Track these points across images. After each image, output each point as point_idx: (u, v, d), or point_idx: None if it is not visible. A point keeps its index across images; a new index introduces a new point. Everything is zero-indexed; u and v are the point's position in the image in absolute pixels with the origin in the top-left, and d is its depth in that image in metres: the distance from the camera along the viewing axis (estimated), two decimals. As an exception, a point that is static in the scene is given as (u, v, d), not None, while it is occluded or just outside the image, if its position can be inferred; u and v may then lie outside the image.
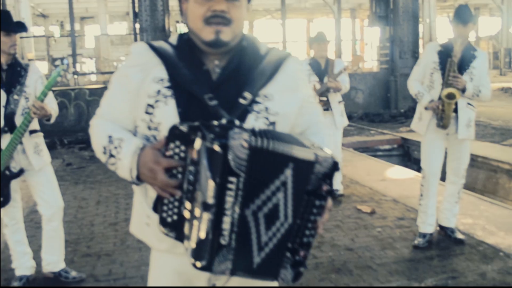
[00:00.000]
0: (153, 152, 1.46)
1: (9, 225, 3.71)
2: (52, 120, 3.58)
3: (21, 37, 16.43)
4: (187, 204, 1.39)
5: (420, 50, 13.58)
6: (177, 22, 29.55)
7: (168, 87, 1.55)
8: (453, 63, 4.07)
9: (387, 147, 10.13)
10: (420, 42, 14.21)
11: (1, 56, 3.48)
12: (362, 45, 34.64)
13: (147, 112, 1.55)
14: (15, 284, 3.71)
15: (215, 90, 1.54)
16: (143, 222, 1.62)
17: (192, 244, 1.35)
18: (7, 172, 3.49)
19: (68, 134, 11.12)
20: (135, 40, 12.40)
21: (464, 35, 4.13)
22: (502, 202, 6.23)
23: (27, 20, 19.73)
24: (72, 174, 7.94)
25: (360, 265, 4.01)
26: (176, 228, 1.42)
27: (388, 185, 6.50)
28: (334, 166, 1.40)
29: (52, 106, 3.55)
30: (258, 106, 1.56)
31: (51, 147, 3.87)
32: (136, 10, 12.07)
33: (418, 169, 8.02)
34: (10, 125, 3.45)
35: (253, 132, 1.35)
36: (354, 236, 4.66)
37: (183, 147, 1.40)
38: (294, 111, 1.64)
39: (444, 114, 4.13)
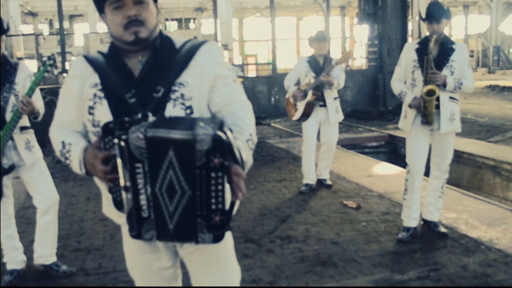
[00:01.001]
0: (92, 150, 1.80)
1: (2, 220, 3.78)
2: (40, 118, 3.64)
3: (9, 35, 16.41)
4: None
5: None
6: (166, 20, 29.68)
7: (101, 90, 1.87)
8: (430, 60, 4.19)
9: (374, 144, 10.27)
10: (409, 39, 14.34)
11: None
12: (352, 43, 34.81)
13: (89, 113, 1.89)
14: (6, 278, 3.79)
15: (138, 86, 1.84)
16: (106, 203, 2.00)
17: (126, 217, 1.71)
18: None
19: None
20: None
21: (438, 32, 4.22)
22: (486, 197, 6.36)
23: (16, 18, 19.66)
24: (62, 172, 7.99)
25: (345, 258, 4.12)
26: (123, 206, 1.74)
27: (374, 181, 6.63)
28: (216, 143, 1.58)
29: (39, 104, 3.61)
30: (175, 94, 1.83)
31: (40, 145, 3.93)
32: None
33: (405, 166, 8.16)
34: (0, 122, 3.53)
35: (153, 123, 1.67)
36: (340, 230, 4.77)
37: (114, 140, 1.71)
38: (206, 94, 1.88)
39: (426, 111, 4.24)
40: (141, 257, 2.03)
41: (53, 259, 3.93)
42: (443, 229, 4.58)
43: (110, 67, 1.89)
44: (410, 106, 4.36)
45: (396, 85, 4.49)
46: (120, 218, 1.92)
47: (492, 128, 11.38)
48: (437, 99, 4.24)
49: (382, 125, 11.70)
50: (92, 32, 25.63)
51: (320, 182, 6.34)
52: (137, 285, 2.15)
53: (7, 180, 3.70)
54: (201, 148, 1.59)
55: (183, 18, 37.37)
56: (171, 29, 37.49)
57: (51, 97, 12.13)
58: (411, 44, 4.48)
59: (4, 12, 18.98)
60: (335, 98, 6.01)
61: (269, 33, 15.26)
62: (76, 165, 1.87)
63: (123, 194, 1.69)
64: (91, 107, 1.87)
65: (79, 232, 4.93)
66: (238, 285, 2.15)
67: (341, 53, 29.69)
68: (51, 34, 33.61)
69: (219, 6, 18.67)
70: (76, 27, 35.36)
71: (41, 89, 12.17)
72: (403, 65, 4.46)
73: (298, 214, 5.32)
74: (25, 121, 3.68)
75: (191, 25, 38.05)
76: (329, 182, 6.37)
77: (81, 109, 1.92)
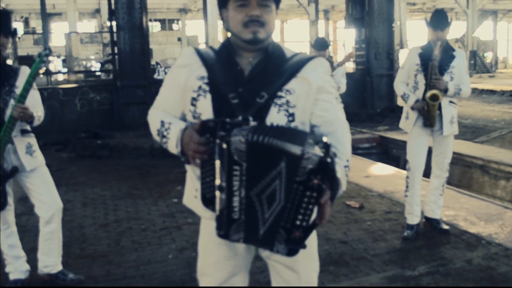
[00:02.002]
0: (190, 131, 1.82)
1: (2, 229, 3.64)
2: (35, 123, 3.51)
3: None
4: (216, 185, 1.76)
5: (394, 52, 13.90)
6: (150, 20, 29.27)
7: (207, 84, 1.91)
8: (434, 67, 4.35)
9: (366, 145, 10.32)
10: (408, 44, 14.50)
11: None
12: (335, 46, 35.05)
13: (192, 104, 1.93)
14: (11, 288, 3.67)
15: (246, 85, 1.88)
16: (192, 195, 2.01)
17: (216, 216, 1.75)
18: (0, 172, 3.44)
19: (42, 136, 10.86)
20: (112, 38, 12.23)
21: (442, 39, 4.39)
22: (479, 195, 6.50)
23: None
24: (53, 177, 7.76)
25: (356, 256, 4.18)
26: (212, 202, 1.78)
27: (372, 181, 6.69)
28: (321, 164, 1.60)
29: (37, 110, 3.49)
30: (281, 100, 1.87)
31: (40, 146, 3.85)
32: (113, 7, 11.93)
33: (397, 166, 8.27)
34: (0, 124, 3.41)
35: (255, 128, 1.70)
36: (346, 230, 4.80)
37: (212, 138, 1.76)
38: (311, 105, 1.92)
39: (429, 115, 4.41)
40: (219, 250, 2.01)
41: (59, 267, 3.80)
42: (445, 226, 4.76)
43: (219, 64, 1.94)
44: (412, 108, 4.50)
45: (399, 87, 4.64)
46: (205, 212, 1.92)
47: (476, 129, 11.64)
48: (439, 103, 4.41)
49: (372, 127, 11.77)
50: (72, 31, 25.28)
51: None
52: (202, 284, 2.12)
53: (7, 186, 3.56)
54: (306, 166, 1.60)
55: (166, 19, 37.17)
56: (154, 30, 37.22)
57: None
58: (415, 48, 4.64)
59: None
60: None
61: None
62: (173, 142, 1.89)
63: (217, 193, 1.73)
64: (194, 99, 1.92)
65: (81, 238, 4.82)
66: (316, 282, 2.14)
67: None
68: (27, 33, 32.88)
69: (206, 7, 18.61)
70: (54, 26, 34.77)
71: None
72: (406, 68, 4.62)
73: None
74: (26, 124, 3.56)
75: (175, 26, 37.88)
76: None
77: (183, 98, 1.96)
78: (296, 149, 1.61)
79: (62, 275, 3.79)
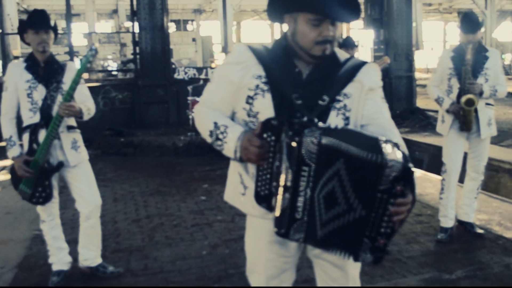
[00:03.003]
0: (250, 135, 1.82)
1: (47, 221, 3.72)
2: (85, 118, 3.59)
3: (6, 34, 16.27)
4: (275, 183, 1.77)
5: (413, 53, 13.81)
6: (170, 21, 29.45)
7: (265, 83, 1.90)
8: (467, 71, 4.31)
9: (388, 147, 10.25)
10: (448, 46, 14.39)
11: (36, 53, 3.55)
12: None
13: (247, 102, 1.92)
14: (54, 278, 3.72)
15: (304, 88, 1.89)
16: (239, 192, 2.01)
17: (276, 214, 1.75)
18: (46, 166, 3.52)
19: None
20: (133, 38, 12.31)
21: (473, 41, 4.36)
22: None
23: (13, 16, 19.49)
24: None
25: (390, 258, 4.13)
26: (266, 200, 1.81)
27: (399, 184, 6.62)
28: (405, 172, 1.61)
29: (87, 104, 3.58)
30: (339, 104, 1.91)
31: (85, 140, 3.90)
32: (135, 8, 12.01)
33: (420, 169, 8.20)
34: (46, 120, 3.49)
35: (324, 130, 1.70)
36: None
37: (273, 137, 1.77)
38: (361, 107, 1.95)
39: (465, 120, 4.36)
40: (271, 247, 2.01)
41: (99, 260, 3.86)
42: (479, 230, 4.67)
43: (276, 63, 1.92)
44: (447, 111, 4.46)
45: (433, 91, 4.60)
46: (254, 210, 1.92)
47: (501, 133, 11.45)
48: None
49: (392, 129, 11.71)
50: (92, 32, 25.47)
51: None
52: (254, 281, 2.13)
53: (53, 180, 3.63)
54: (390, 174, 1.60)
55: (181, 20, 37.27)
56: (170, 30, 37.40)
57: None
58: (447, 51, 4.61)
59: (0, 10, 18.83)
60: None
61: (267, 36, 15.25)
62: (231, 148, 1.87)
63: (280, 192, 1.72)
64: (250, 97, 1.91)
65: (115, 233, 4.86)
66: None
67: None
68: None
69: (219, 8, 18.65)
70: (73, 26, 35.08)
71: None
72: (439, 73, 4.59)
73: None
74: (72, 120, 3.64)
75: (189, 26, 37.99)
76: None
77: (236, 96, 1.95)
78: (378, 158, 1.61)
79: (102, 268, 3.85)
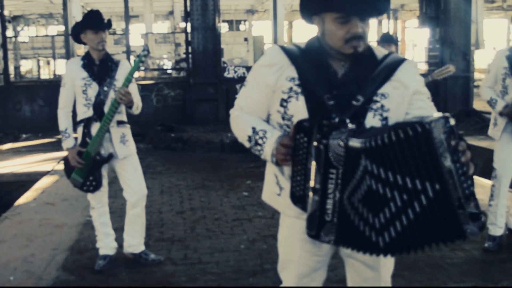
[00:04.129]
0: (284, 138, 1.84)
1: (96, 208, 3.95)
2: (134, 110, 3.80)
3: (70, 35, 16.91)
4: (307, 184, 1.78)
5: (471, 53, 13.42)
6: (223, 21, 29.85)
7: (298, 85, 1.88)
8: None
9: (441, 149, 9.99)
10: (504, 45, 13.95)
11: (92, 52, 3.77)
12: (403, 47, 34.26)
13: (281, 105, 1.91)
14: (100, 262, 3.94)
15: (339, 88, 1.86)
16: (275, 193, 2.02)
17: (307, 217, 1.77)
18: (97, 157, 3.76)
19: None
20: (186, 38, 12.59)
21: None
22: None
23: (78, 18, 20.23)
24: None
25: (431, 263, 4.04)
26: (301, 201, 1.81)
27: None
28: (448, 123, 1.54)
29: (136, 100, 3.77)
30: (376, 104, 1.86)
31: (134, 135, 4.09)
32: (188, 9, 12.28)
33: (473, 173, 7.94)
34: (99, 114, 3.73)
35: (354, 132, 1.68)
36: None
37: (305, 138, 1.78)
38: (404, 107, 1.91)
39: None
40: (304, 246, 2.00)
41: (142, 248, 4.05)
42: None
43: (310, 64, 1.90)
44: (501, 114, 4.26)
45: (486, 92, 4.37)
46: (289, 210, 1.93)
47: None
48: None
49: (445, 131, 11.43)
50: (148, 32, 26.09)
51: None
52: (285, 279, 2.12)
53: (103, 170, 3.86)
54: (439, 135, 1.53)
55: (234, 20, 37.62)
56: (222, 30, 37.77)
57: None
58: (502, 51, 4.38)
59: (67, 12, 19.59)
60: None
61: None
62: (268, 151, 1.88)
63: (310, 194, 1.74)
64: (284, 100, 1.89)
65: (160, 223, 5.05)
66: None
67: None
68: (109, 34, 34.45)
69: (271, 8, 18.71)
70: (132, 27, 36.09)
71: None
72: (493, 72, 4.35)
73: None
74: (122, 116, 3.87)
75: (242, 26, 38.27)
76: None
77: (271, 99, 1.94)
78: (419, 127, 1.54)
79: (144, 255, 4.03)
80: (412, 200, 1.55)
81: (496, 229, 4.38)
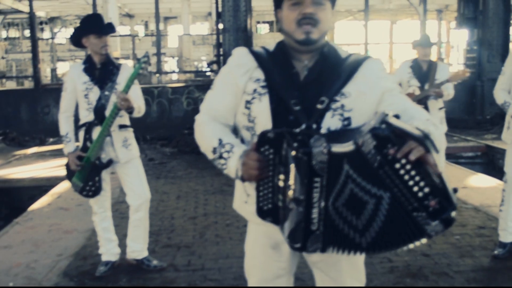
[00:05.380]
0: (247, 151, 1.78)
1: (98, 213, 4.00)
2: (135, 114, 3.76)
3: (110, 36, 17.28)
4: (280, 196, 1.73)
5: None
6: (258, 22, 29.98)
7: (263, 86, 1.87)
8: None
9: (470, 154, 9.82)
10: (510, 46, 13.63)
11: (94, 56, 3.80)
12: (448, 48, 33.54)
13: (246, 107, 1.89)
14: (101, 268, 3.99)
15: (302, 89, 1.85)
16: (242, 200, 2.01)
17: (288, 230, 1.71)
18: (97, 162, 3.79)
19: (151, 131, 11.59)
20: (217, 39, 12.69)
21: None
22: None
23: (114, 20, 20.63)
24: (154, 169, 8.33)
25: (436, 271, 3.99)
26: (271, 214, 1.79)
27: (469, 193, 6.35)
28: (378, 136, 1.52)
29: (138, 102, 3.77)
30: (335, 104, 1.83)
31: (138, 138, 4.14)
32: (220, 10, 12.36)
33: (502, 178, 7.75)
34: (100, 118, 3.75)
35: (329, 137, 1.64)
36: (432, 242, 4.60)
37: (271, 150, 1.73)
38: (371, 106, 1.86)
39: None
40: (265, 252, 2.03)
41: (145, 254, 4.08)
42: None
43: (275, 65, 1.90)
44: None
45: (500, 94, 4.26)
46: (255, 218, 1.87)
47: None
48: None
49: (479, 135, 11.18)
50: (185, 34, 26.46)
51: None
52: (250, 284, 2.17)
53: (105, 175, 3.90)
54: (370, 148, 1.54)
55: (274, 21, 37.69)
56: (262, 32, 37.91)
57: (145, 96, 12.64)
58: None
59: (104, 13, 20.03)
60: (440, 109, 5.72)
61: (362, 36, 15.01)
62: (232, 168, 1.82)
63: (292, 206, 1.67)
64: (248, 102, 1.88)
65: (170, 228, 5.11)
66: None
67: (437, 59, 28.61)
68: (146, 35, 35.04)
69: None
70: (170, 28, 36.61)
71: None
72: (507, 74, 4.24)
73: (389, 223, 5.18)
74: (125, 119, 3.87)
75: (282, 28, 38.35)
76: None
77: (238, 100, 1.91)
78: (349, 146, 1.58)
79: (147, 261, 4.06)
80: (378, 204, 1.59)
81: (507, 236, 4.29)
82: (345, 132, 1.75)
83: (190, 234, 4.91)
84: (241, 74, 1.90)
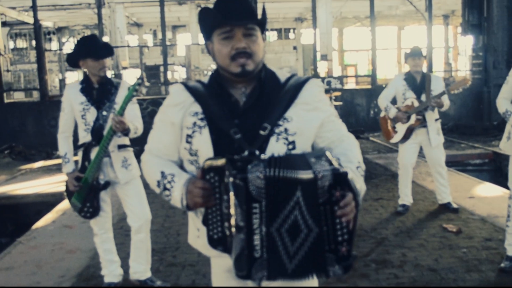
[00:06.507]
0: (193, 179, 1.79)
1: (99, 234, 3.93)
2: (131, 135, 3.70)
3: (116, 47, 17.27)
4: (227, 224, 1.72)
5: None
6: (266, 30, 29.99)
7: (201, 119, 1.85)
8: None
9: (477, 161, 9.69)
10: None
11: (92, 77, 3.74)
12: (455, 54, 33.35)
13: (187, 141, 1.88)
14: (104, 290, 3.93)
15: (242, 117, 1.84)
16: (195, 236, 1.99)
17: (233, 258, 1.69)
18: (94, 183, 3.73)
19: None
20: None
21: None
22: None
23: (122, 29, 20.72)
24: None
25: (443, 286, 3.91)
26: (221, 243, 1.77)
27: (476, 203, 6.24)
28: (336, 177, 1.62)
29: (135, 123, 3.70)
30: (279, 129, 1.83)
31: (139, 156, 4.06)
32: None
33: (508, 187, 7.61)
34: (98, 139, 3.68)
35: (268, 162, 1.64)
36: (438, 256, 4.53)
37: (216, 177, 1.74)
38: (313, 130, 1.89)
39: None
40: (228, 283, 2.00)
41: (148, 274, 4.01)
42: None
43: (212, 97, 1.88)
44: None
45: (502, 103, 4.16)
46: (209, 251, 1.88)
47: None
48: None
49: (487, 141, 11.05)
50: (194, 43, 26.46)
51: (445, 207, 5.94)
52: None
53: (105, 195, 3.84)
54: (323, 185, 1.61)
55: (282, 28, 37.64)
56: (271, 39, 37.90)
57: (153, 107, 12.61)
58: None
59: (111, 23, 20.12)
60: (436, 120, 5.73)
61: (370, 43, 14.96)
62: (177, 197, 1.82)
63: (234, 233, 1.66)
64: (189, 136, 1.86)
65: (175, 246, 5.04)
66: None
67: (444, 64, 28.46)
68: (155, 45, 35.11)
69: (319, 16, 18.64)
70: (179, 37, 36.65)
71: (144, 100, 12.68)
72: (510, 83, 4.15)
73: (395, 236, 5.12)
74: (124, 139, 3.81)
75: (291, 35, 38.26)
76: (454, 205, 5.92)
77: (179, 137, 1.91)
78: (308, 174, 1.61)
79: (150, 282, 4.00)
80: (308, 236, 1.65)
81: None
82: (295, 158, 1.72)
83: (195, 252, 4.70)
84: (177, 111, 1.90)
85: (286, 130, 1.82)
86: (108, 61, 3.80)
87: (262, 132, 1.80)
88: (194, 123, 1.86)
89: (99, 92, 3.75)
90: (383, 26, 33.58)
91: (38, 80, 13.01)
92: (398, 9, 28.70)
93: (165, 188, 1.86)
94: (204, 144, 1.84)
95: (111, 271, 3.98)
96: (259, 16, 1.87)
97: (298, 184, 1.61)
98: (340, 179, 1.62)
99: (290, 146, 1.83)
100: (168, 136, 1.94)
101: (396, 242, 4.95)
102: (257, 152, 1.75)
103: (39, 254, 4.99)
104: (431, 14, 14.53)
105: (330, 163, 1.65)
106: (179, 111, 1.89)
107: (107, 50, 3.74)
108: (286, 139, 1.82)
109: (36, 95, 22.41)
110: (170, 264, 4.55)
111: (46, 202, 7.17)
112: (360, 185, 1.77)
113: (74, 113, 3.76)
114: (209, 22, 1.85)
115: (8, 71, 14.23)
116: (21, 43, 33.53)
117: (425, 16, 15.48)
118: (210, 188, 1.73)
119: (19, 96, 23.67)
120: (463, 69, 25.22)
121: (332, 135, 1.92)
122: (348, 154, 1.86)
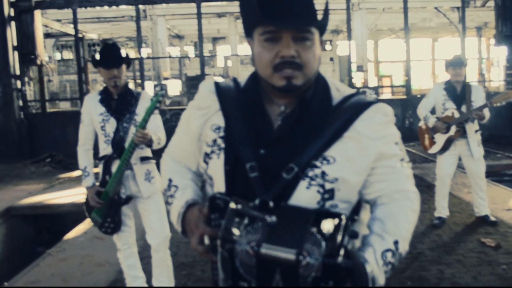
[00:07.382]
0: (198, 215, 1.35)
1: (122, 250, 3.65)
2: (155, 147, 3.41)
3: (156, 57, 17.26)
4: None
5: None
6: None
7: (222, 138, 1.39)
8: None
9: (514, 172, 9.13)
10: None
11: (110, 87, 3.46)
12: (489, 65, 32.33)
13: (204, 161, 1.44)
14: (131, 306, 3.63)
15: (271, 146, 1.32)
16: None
17: None
18: (116, 198, 3.45)
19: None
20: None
21: None
22: None
23: (164, 41, 20.72)
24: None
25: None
26: None
27: (515, 216, 5.74)
28: (326, 270, 1.12)
29: (157, 134, 3.41)
30: (313, 171, 1.29)
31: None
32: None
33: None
34: (119, 152, 3.41)
35: (272, 228, 1.18)
36: (477, 273, 4.12)
37: (221, 221, 1.26)
38: (362, 178, 1.34)
39: None
40: None
41: None
42: None
43: (242, 108, 1.39)
44: None
45: None
46: None
47: None
48: None
49: (523, 151, 10.44)
50: (233, 54, 26.36)
51: (483, 220, 5.49)
52: None
53: (127, 209, 3.57)
54: (308, 275, 1.13)
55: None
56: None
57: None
58: None
59: (153, 35, 20.15)
60: (476, 131, 5.32)
61: (404, 54, 14.57)
62: (174, 216, 1.45)
63: None
64: (207, 155, 1.41)
65: (204, 260, 4.66)
66: None
67: (477, 75, 27.58)
68: (196, 56, 35.32)
69: (355, 28, 18.40)
70: (219, 49, 36.72)
71: (168, 110, 12.56)
72: None
73: (431, 251, 4.70)
74: (146, 151, 3.51)
75: (327, 46, 37.89)
76: (492, 218, 5.47)
77: (198, 149, 1.47)
78: (288, 254, 1.13)
79: None
80: None
81: None
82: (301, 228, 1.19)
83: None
84: (197, 117, 1.46)
85: (323, 174, 1.29)
86: (124, 72, 3.47)
87: (285, 175, 1.28)
88: (215, 141, 1.40)
89: (119, 103, 3.47)
90: (417, 38, 32.89)
91: (78, 89, 12.98)
92: (432, 21, 28.00)
93: (166, 202, 1.52)
94: (217, 172, 1.38)
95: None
96: (319, 16, 1.33)
97: (276, 266, 1.16)
98: (332, 273, 1.12)
99: (326, 196, 1.29)
100: (186, 143, 1.53)
101: (433, 257, 4.54)
102: (271, 204, 1.24)
103: (67, 268, 4.73)
104: (465, 26, 14.02)
105: (333, 241, 1.13)
106: (200, 117, 1.45)
107: (117, 60, 3.41)
108: (322, 186, 1.29)
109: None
110: (199, 279, 4.23)
111: (82, 212, 6.92)
112: (379, 278, 1.22)
113: (94, 124, 3.50)
114: (249, 17, 1.35)
115: (50, 81, 14.28)
116: (67, 54, 34.07)
117: (459, 28, 14.97)
118: (212, 233, 1.27)
119: (64, 106, 23.94)
120: (496, 79, 24.30)
121: (384, 187, 1.36)
122: (387, 223, 1.31)
